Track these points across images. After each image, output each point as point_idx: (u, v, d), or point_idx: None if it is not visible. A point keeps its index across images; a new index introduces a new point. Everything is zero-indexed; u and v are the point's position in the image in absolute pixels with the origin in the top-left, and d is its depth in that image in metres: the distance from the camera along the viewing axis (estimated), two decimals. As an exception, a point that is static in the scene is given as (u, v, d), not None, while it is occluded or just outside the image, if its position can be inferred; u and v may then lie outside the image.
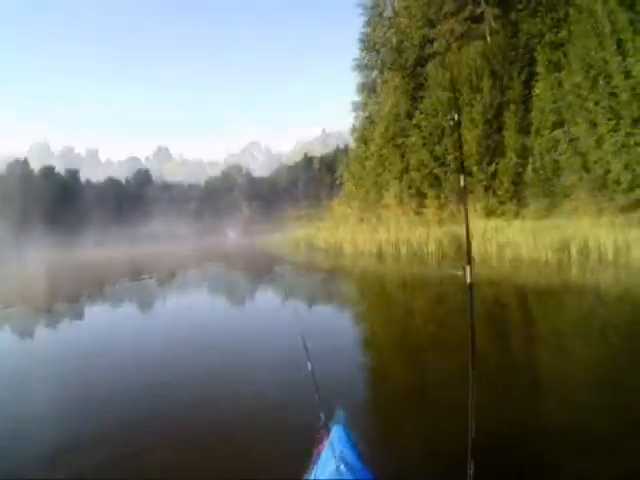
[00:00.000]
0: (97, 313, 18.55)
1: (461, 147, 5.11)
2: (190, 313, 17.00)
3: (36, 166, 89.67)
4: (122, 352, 12.06)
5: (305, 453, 4.15)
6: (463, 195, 4.22)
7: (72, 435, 7.00)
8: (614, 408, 6.62)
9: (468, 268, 3.56)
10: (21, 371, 10.86)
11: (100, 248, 52.67)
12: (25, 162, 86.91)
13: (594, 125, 23.65)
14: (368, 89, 47.02)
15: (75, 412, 7.91)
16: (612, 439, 5.59)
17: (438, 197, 34.40)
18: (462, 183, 4.15)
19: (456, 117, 4.19)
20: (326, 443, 4.04)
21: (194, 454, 6.14)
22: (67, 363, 11.04)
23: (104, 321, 16.51)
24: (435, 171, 34.39)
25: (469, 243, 3.79)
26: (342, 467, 3.45)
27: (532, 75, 30.18)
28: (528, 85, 30.46)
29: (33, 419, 7.85)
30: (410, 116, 37.93)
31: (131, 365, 10.77)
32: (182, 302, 19.91)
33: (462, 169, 4.46)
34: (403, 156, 37.89)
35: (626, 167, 21.32)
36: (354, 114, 49.23)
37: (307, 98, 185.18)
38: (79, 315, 18.04)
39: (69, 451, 6.54)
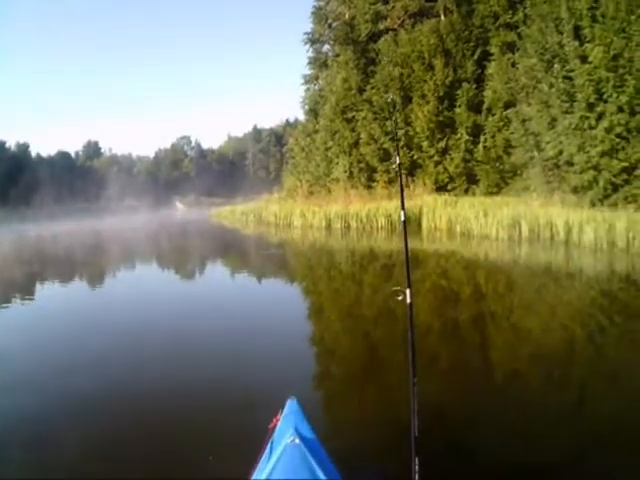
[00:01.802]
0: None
1: (398, 138, 4.98)
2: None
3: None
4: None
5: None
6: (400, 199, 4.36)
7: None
8: (566, 390, 6.78)
9: (408, 291, 3.72)
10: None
11: (55, 222, 51.44)
12: None
13: (547, 106, 23.86)
14: (319, 63, 46.84)
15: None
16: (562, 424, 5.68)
17: (387, 171, 34.46)
18: (402, 218, 4.41)
19: (392, 98, 4.14)
20: (280, 418, 4.16)
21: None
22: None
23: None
24: (385, 145, 34.40)
25: (408, 266, 3.91)
26: (297, 439, 3.51)
27: (486, 55, 30.50)
28: (481, 64, 30.77)
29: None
30: (361, 91, 37.87)
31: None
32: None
33: (399, 172, 4.75)
34: (353, 130, 37.89)
35: (580, 149, 21.50)
36: (304, 87, 49.32)
37: (238, 92, 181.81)
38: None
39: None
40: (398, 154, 4.71)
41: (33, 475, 5.17)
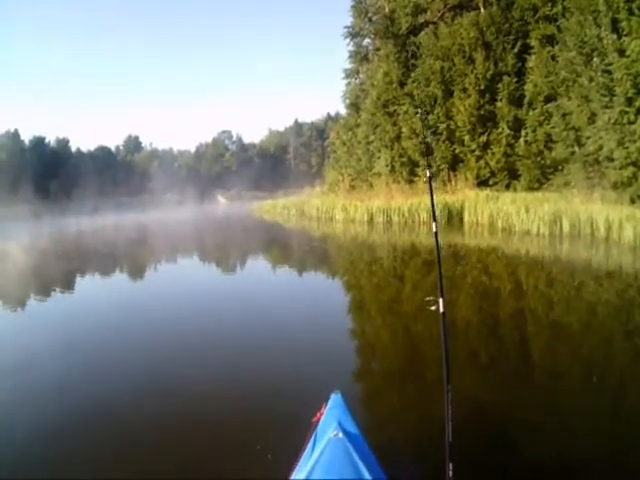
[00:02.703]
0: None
1: (430, 152, 4.91)
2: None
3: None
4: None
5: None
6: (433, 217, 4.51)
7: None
8: (604, 394, 6.63)
9: (441, 300, 3.80)
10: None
11: (99, 215, 51.89)
12: (16, 134, 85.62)
13: (587, 101, 23.62)
14: (360, 57, 46.82)
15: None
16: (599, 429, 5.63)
17: (430, 166, 34.10)
18: (434, 229, 4.40)
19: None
20: (325, 411, 4.22)
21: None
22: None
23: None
24: (427, 139, 34.14)
25: (441, 276, 3.94)
26: (340, 433, 3.56)
27: (526, 48, 30.18)
28: (521, 58, 30.50)
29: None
30: (402, 84, 37.77)
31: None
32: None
33: (430, 181, 4.70)
34: (395, 124, 37.79)
35: (619, 144, 21.28)
36: (345, 81, 49.17)
37: (279, 86, 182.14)
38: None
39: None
40: (430, 166, 5.06)
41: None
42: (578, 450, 5.20)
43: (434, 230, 4.37)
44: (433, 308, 3.82)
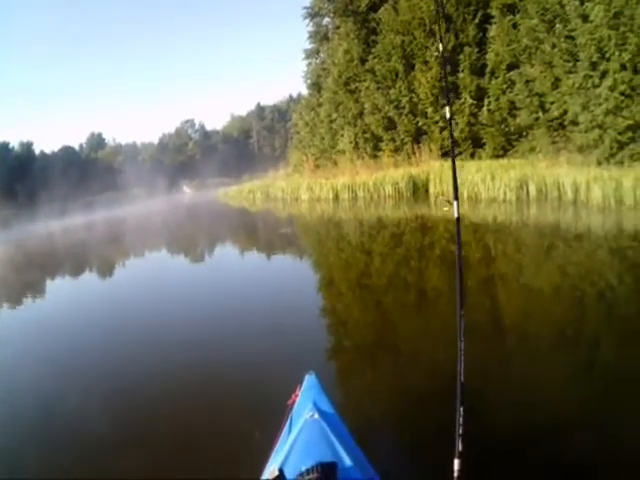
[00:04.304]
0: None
1: (450, 123, 4.64)
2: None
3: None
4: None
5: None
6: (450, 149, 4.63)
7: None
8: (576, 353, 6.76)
9: (455, 203, 3.55)
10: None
11: (68, 217, 51.52)
12: None
13: (550, 67, 23.79)
14: (320, 36, 46.56)
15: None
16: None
17: (393, 140, 34.57)
18: (447, 115, 4.03)
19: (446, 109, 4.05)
20: (299, 393, 4.17)
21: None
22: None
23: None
24: (390, 114, 34.43)
25: (455, 180, 3.73)
26: (316, 414, 3.56)
27: (487, 18, 30.08)
28: (482, 28, 30.43)
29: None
30: (363, 61, 37.76)
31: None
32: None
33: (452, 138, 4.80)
34: (357, 101, 37.89)
35: (584, 108, 21.39)
36: (306, 62, 48.81)
37: (239, 71, 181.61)
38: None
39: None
40: (453, 140, 4.63)
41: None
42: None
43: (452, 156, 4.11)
44: (446, 209, 3.69)
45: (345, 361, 7.59)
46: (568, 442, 4.62)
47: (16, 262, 24.94)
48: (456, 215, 3.53)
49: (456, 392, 3.00)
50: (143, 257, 21.74)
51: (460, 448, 2.88)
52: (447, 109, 3.82)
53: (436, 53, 31.20)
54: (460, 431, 2.91)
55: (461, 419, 2.92)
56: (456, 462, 2.87)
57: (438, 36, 27.31)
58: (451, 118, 4.09)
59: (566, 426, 4.82)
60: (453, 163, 3.88)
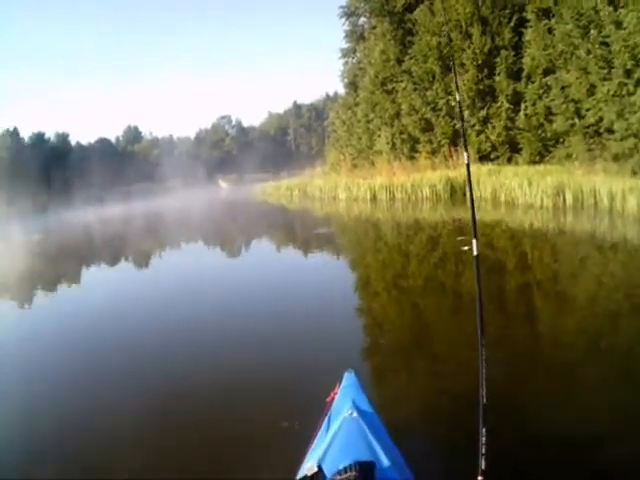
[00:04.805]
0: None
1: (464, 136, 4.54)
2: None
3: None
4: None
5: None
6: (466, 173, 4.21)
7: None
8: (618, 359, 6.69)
9: (474, 241, 3.62)
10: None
11: (106, 206, 51.81)
12: (15, 132, 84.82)
13: (586, 73, 23.49)
14: (356, 36, 46.66)
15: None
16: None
17: (430, 142, 34.58)
18: (465, 161, 4.22)
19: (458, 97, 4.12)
20: (338, 390, 4.23)
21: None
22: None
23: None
24: (427, 116, 34.48)
25: (474, 218, 3.77)
26: (355, 412, 3.58)
27: (522, 21, 29.91)
28: (518, 31, 30.28)
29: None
30: (400, 62, 37.64)
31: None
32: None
33: (466, 147, 4.35)
34: (394, 102, 37.86)
35: (619, 116, 21.26)
36: (342, 60, 48.92)
37: (277, 69, 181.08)
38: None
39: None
40: (466, 149, 4.28)
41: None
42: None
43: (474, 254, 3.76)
44: (466, 249, 3.74)
45: (383, 361, 7.67)
46: (597, 460, 4.52)
47: (52, 252, 25.19)
48: (475, 253, 3.62)
49: (479, 413, 3.10)
50: (180, 251, 22.07)
51: (483, 467, 2.96)
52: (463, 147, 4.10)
53: (472, 56, 31.20)
54: (483, 450, 3.00)
55: (484, 439, 3.02)
56: (479, 479, 2.96)
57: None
58: (468, 162, 4.21)
59: (596, 443, 4.71)
60: (471, 201, 3.87)
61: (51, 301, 14.31)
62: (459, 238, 3.50)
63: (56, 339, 10.11)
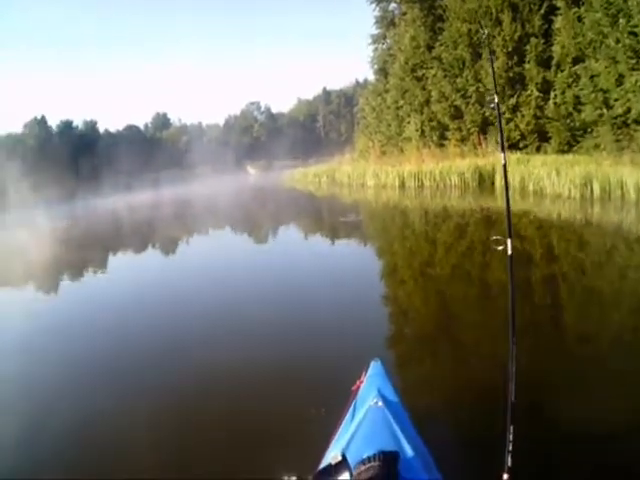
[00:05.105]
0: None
1: (502, 133, 4.57)
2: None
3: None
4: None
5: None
6: (503, 173, 3.99)
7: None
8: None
9: (509, 241, 3.56)
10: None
11: (136, 192, 52.17)
12: (43, 120, 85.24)
13: (615, 62, 23.39)
14: (387, 22, 46.53)
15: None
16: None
17: (459, 129, 34.53)
18: (502, 161, 4.08)
19: (495, 99, 4.21)
20: (364, 379, 4.20)
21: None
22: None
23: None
24: (456, 103, 34.42)
25: (509, 216, 3.69)
26: (380, 402, 3.56)
27: (552, 9, 29.61)
28: (548, 19, 30.04)
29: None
30: (430, 48, 37.69)
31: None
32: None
33: (503, 149, 4.24)
34: (424, 88, 37.91)
35: None
36: (372, 47, 48.83)
37: (306, 54, 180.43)
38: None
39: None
40: (504, 151, 4.23)
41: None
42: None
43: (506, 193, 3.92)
44: (500, 248, 3.62)
45: (410, 350, 7.66)
46: (627, 459, 4.44)
47: (78, 239, 25.36)
48: (509, 252, 3.57)
49: (506, 410, 3.15)
50: (207, 237, 22.30)
51: (509, 464, 3.00)
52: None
53: (502, 43, 31.02)
54: (510, 447, 3.03)
55: (511, 436, 3.06)
56: (505, 477, 3.00)
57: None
58: (505, 162, 4.06)
59: (626, 442, 4.66)
60: (507, 202, 3.79)
61: (76, 289, 14.28)
62: (493, 238, 3.44)
63: (79, 330, 10.12)
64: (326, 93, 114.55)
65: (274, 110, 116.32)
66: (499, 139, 4.24)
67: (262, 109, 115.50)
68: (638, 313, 8.51)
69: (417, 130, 37.98)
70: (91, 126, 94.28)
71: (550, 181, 22.28)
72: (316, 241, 18.61)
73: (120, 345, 8.80)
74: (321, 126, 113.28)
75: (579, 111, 26.86)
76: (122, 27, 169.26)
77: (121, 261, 18.35)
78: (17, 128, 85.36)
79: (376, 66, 48.41)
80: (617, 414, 5.00)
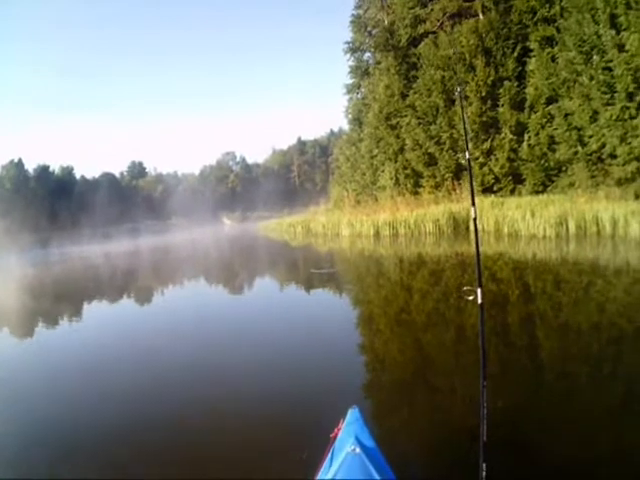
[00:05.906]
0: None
1: (471, 175, 4.72)
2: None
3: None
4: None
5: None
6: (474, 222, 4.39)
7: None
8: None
9: (479, 290, 3.72)
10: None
11: (110, 241, 52.45)
12: (20, 163, 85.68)
13: (589, 99, 23.82)
14: (361, 71, 46.98)
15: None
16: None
17: (434, 176, 34.74)
18: (472, 215, 4.29)
19: (467, 155, 4.76)
20: (342, 426, 4.23)
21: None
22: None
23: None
24: (430, 150, 34.59)
25: (479, 267, 3.90)
26: (357, 448, 3.54)
27: (526, 51, 30.22)
28: (522, 61, 30.51)
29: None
30: (404, 96, 38.03)
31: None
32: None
33: (474, 203, 4.39)
34: (398, 137, 38.08)
35: (622, 140, 21.55)
36: (347, 97, 49.48)
37: (281, 105, 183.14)
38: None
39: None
40: (473, 204, 4.39)
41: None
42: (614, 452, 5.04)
43: (473, 220, 4.29)
44: (470, 298, 3.82)
45: (388, 397, 7.46)
46: None
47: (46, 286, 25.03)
48: (480, 301, 3.70)
49: (479, 450, 3.24)
50: (182, 287, 21.67)
51: None
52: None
53: (476, 88, 31.08)
54: None
55: (484, 473, 3.17)
56: None
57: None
58: (475, 216, 4.25)
59: (599, 476, 4.71)
60: (477, 248, 4.02)
61: (36, 340, 13.62)
62: (464, 288, 3.34)
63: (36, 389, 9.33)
64: (301, 143, 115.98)
65: (249, 160, 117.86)
66: (470, 192, 4.12)
67: (237, 159, 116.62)
68: (615, 345, 8.57)
69: (391, 178, 38.01)
70: (68, 171, 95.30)
71: (525, 223, 22.40)
72: (292, 291, 18.24)
73: (84, 395, 8.38)
74: (295, 176, 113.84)
75: (553, 151, 27.38)
76: (98, 83, 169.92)
77: (92, 311, 17.58)
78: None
79: (350, 116, 49.00)
80: (590, 451, 5.08)
